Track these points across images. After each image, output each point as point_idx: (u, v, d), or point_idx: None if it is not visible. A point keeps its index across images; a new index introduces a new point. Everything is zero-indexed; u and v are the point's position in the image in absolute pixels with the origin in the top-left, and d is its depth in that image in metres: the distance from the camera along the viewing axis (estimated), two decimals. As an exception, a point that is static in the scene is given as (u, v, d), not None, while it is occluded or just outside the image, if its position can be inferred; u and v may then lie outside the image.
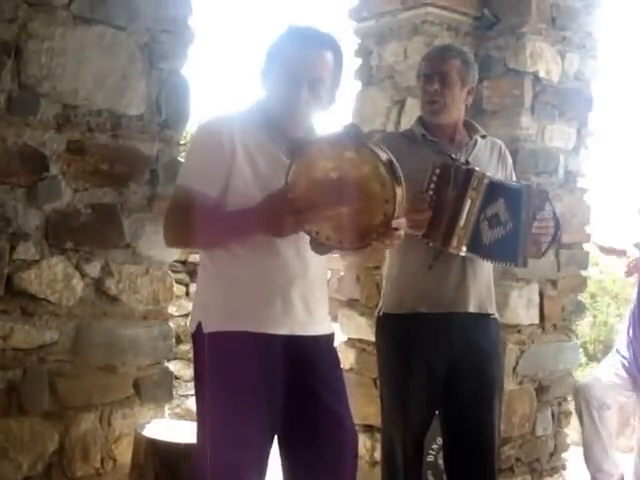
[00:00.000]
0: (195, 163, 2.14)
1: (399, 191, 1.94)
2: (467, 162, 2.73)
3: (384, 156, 1.95)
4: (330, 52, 2.14)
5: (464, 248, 2.66)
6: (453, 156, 2.74)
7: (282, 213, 1.92)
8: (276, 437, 2.18)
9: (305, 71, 2.10)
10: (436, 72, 2.79)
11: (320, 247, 2.03)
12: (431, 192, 2.64)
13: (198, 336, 2.15)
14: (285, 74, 2.11)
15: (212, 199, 2.08)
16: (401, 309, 2.81)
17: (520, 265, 2.75)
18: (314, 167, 1.96)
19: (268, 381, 2.10)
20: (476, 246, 2.70)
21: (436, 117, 2.83)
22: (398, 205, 1.94)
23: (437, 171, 2.65)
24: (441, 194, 2.64)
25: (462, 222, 2.65)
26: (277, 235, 2.01)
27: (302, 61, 2.10)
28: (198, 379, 2.17)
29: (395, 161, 1.95)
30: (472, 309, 2.80)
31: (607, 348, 6.23)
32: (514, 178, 2.97)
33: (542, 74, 3.91)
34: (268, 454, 2.16)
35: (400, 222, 1.99)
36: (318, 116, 2.22)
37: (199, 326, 2.15)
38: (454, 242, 2.65)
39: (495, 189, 2.69)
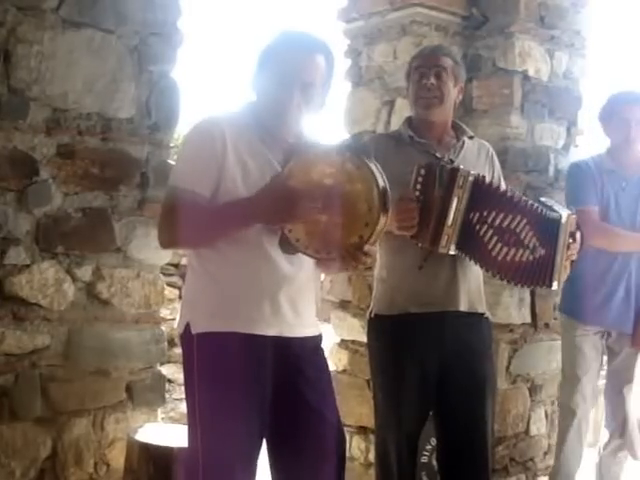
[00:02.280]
0: (188, 164, 2.14)
1: (382, 220, 1.96)
2: (452, 161, 2.73)
3: (381, 182, 1.96)
4: (322, 56, 2.15)
5: (453, 246, 2.66)
6: (437, 155, 2.74)
7: (277, 198, 1.95)
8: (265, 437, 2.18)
9: (297, 74, 2.11)
10: (432, 66, 2.79)
11: (287, 246, 2.05)
12: (417, 193, 2.64)
13: (186, 336, 2.15)
14: (277, 77, 2.11)
15: (205, 198, 2.08)
16: (392, 310, 2.81)
17: (554, 288, 2.75)
18: (314, 167, 1.98)
19: (256, 382, 2.10)
20: (480, 255, 2.69)
21: (431, 111, 2.81)
22: (376, 233, 1.97)
23: (422, 171, 2.65)
24: (427, 194, 2.64)
25: (450, 221, 2.64)
26: (269, 221, 2.02)
27: (294, 64, 2.11)
28: (187, 379, 2.17)
29: (389, 191, 1.97)
30: (463, 308, 2.80)
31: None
32: (502, 180, 2.97)
33: (531, 73, 3.91)
34: (258, 454, 2.16)
35: (372, 250, 2.02)
36: (308, 120, 2.22)
37: (187, 326, 2.14)
38: (443, 241, 2.65)
39: (518, 206, 2.67)
